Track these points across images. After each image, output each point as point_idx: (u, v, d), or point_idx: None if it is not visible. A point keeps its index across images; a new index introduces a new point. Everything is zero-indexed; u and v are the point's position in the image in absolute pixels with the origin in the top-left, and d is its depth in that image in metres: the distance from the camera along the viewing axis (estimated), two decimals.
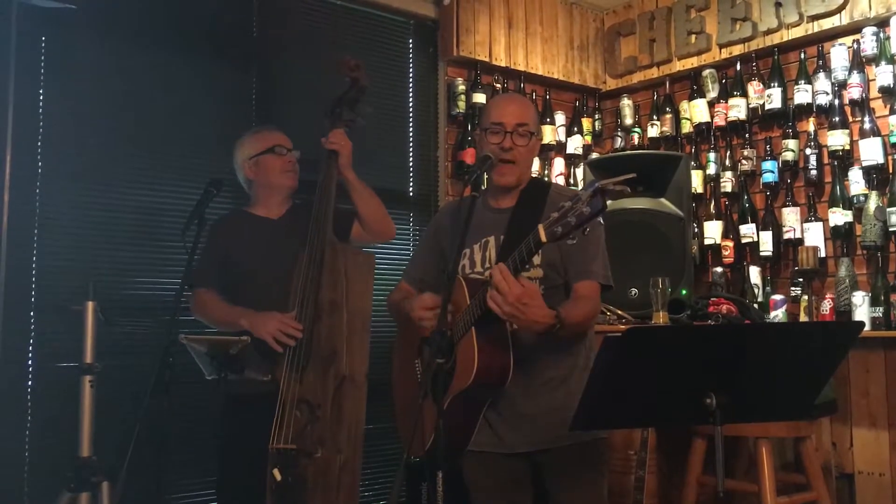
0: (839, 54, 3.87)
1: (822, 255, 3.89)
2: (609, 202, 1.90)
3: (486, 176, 2.54)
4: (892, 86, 3.67)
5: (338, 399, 2.58)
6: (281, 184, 2.95)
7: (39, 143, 3.15)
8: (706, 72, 4.39)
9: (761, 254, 4.09)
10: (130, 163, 3.33)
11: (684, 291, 3.76)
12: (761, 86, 4.15)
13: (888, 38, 3.72)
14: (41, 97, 3.17)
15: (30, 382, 3.06)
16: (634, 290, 3.76)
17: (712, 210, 4.34)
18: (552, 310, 2.14)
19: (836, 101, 3.87)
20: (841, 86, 3.87)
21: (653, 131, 4.61)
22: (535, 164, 4.30)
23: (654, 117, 4.62)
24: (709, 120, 4.37)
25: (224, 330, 2.85)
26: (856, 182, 3.78)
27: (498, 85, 4.43)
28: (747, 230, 4.15)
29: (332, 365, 2.60)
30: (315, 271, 2.65)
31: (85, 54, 3.26)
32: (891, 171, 3.71)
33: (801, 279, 3.88)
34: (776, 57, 4.12)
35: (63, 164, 3.17)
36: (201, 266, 2.86)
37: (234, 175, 3.06)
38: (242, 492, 2.69)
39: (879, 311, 3.58)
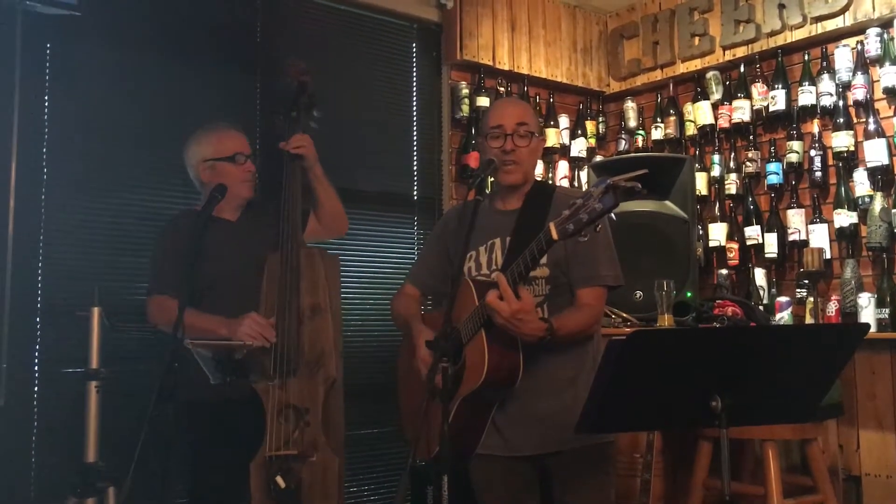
0: (843, 55, 3.86)
1: (828, 256, 3.88)
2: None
3: (491, 179, 2.54)
4: None
5: (326, 402, 2.59)
6: (238, 194, 2.83)
7: (45, 150, 3.16)
8: (710, 74, 4.39)
9: (766, 256, 4.08)
10: (135, 168, 3.34)
11: (689, 294, 3.76)
12: (765, 87, 4.15)
13: (892, 38, 3.72)
14: (46, 103, 3.18)
15: (36, 388, 3.06)
16: (639, 293, 3.75)
17: (717, 212, 4.33)
18: (545, 322, 2.19)
19: (841, 103, 3.87)
20: (845, 87, 3.87)
21: (657, 133, 4.61)
22: (539, 168, 4.29)
23: (658, 119, 4.62)
24: (713, 122, 4.37)
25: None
26: (861, 183, 3.77)
27: (501, 88, 4.43)
28: (752, 232, 4.15)
29: (319, 369, 2.60)
30: (292, 276, 2.62)
31: (89, 61, 3.27)
32: None
33: (806, 281, 3.87)
34: (780, 59, 4.12)
35: (68, 170, 3.18)
36: (160, 270, 2.74)
37: None
38: (224, 498, 2.67)
39: (885, 313, 3.57)
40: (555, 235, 1.99)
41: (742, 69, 4.26)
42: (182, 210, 3.03)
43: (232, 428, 2.58)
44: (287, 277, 2.62)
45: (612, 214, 1.92)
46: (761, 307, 3.92)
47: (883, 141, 3.70)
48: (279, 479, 2.46)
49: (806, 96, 3.98)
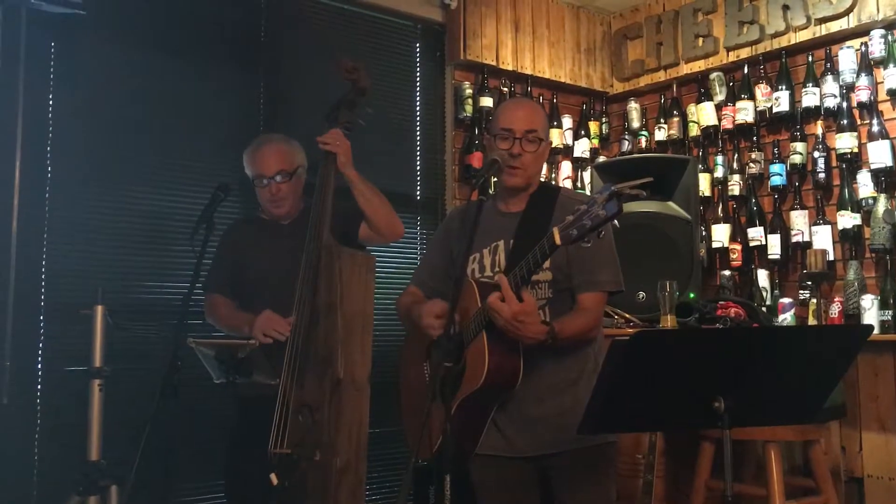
0: (847, 57, 3.86)
1: (831, 258, 3.87)
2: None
3: (494, 180, 2.54)
4: None
5: (335, 402, 2.57)
6: (269, 212, 2.93)
7: (49, 148, 3.17)
8: (713, 75, 4.39)
9: (769, 257, 4.08)
10: (139, 167, 3.35)
11: (692, 295, 3.76)
12: (769, 89, 4.14)
13: None
14: (50, 102, 3.19)
15: (39, 386, 3.07)
16: (642, 294, 3.75)
17: (720, 213, 4.33)
18: (546, 325, 2.19)
19: (845, 104, 3.86)
20: (849, 88, 3.86)
21: (660, 134, 4.60)
22: (543, 168, 4.28)
23: (662, 120, 4.61)
24: (716, 123, 4.36)
25: (233, 335, 2.86)
26: (864, 185, 3.77)
27: (505, 89, 4.43)
28: (755, 233, 4.14)
29: (328, 368, 2.60)
30: (311, 274, 2.64)
31: (94, 59, 3.28)
32: None
33: (809, 282, 3.86)
34: (784, 60, 4.12)
35: (72, 169, 3.19)
36: (214, 270, 2.86)
37: (242, 179, 3.06)
38: (250, 494, 2.69)
39: (888, 315, 3.57)
40: (558, 241, 1.99)
41: (746, 70, 4.26)
42: (243, 215, 3.11)
43: (265, 424, 2.59)
44: (306, 276, 2.63)
45: (616, 222, 1.92)
46: (764, 308, 3.92)
47: (887, 143, 3.70)
48: (273, 477, 2.46)
49: (809, 97, 3.97)
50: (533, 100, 4.45)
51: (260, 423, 2.58)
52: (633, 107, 4.79)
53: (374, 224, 2.88)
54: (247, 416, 2.79)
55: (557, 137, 4.55)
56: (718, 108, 4.37)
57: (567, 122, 4.67)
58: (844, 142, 3.82)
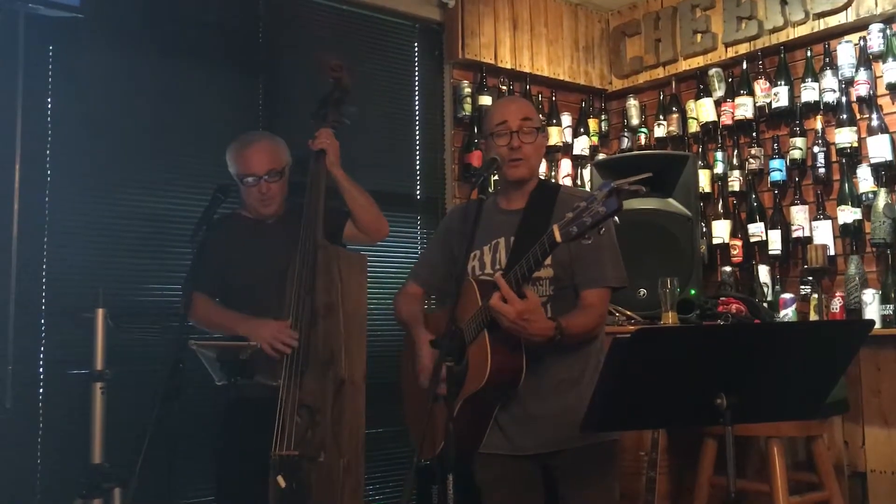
0: (846, 51, 3.86)
1: (832, 253, 3.87)
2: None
3: (494, 178, 2.54)
4: None
5: (338, 402, 2.57)
6: (257, 211, 2.89)
7: (48, 152, 3.16)
8: (712, 71, 4.39)
9: (770, 252, 4.08)
10: (138, 170, 3.35)
11: (693, 291, 3.75)
12: (768, 84, 4.14)
13: (895, 34, 3.71)
14: (49, 106, 3.18)
15: (41, 390, 3.07)
16: (643, 291, 3.75)
17: (720, 209, 4.33)
18: (553, 321, 2.18)
19: (844, 99, 3.86)
20: (848, 83, 3.86)
21: (659, 131, 4.60)
22: (542, 166, 4.29)
23: (661, 117, 4.61)
24: (715, 119, 4.36)
25: (222, 335, 2.85)
26: (864, 179, 3.77)
27: (504, 87, 4.43)
28: (756, 229, 4.14)
29: (330, 369, 2.59)
30: (308, 275, 2.62)
31: (92, 63, 3.28)
32: None
33: (810, 277, 3.87)
34: (782, 55, 4.12)
35: (71, 172, 3.19)
36: (197, 269, 2.80)
37: None
38: (248, 495, 2.68)
39: (890, 309, 3.57)
40: (558, 238, 1.99)
41: (744, 66, 4.25)
42: (226, 213, 3.04)
43: (264, 425, 2.58)
44: (303, 276, 2.62)
45: (616, 218, 1.92)
46: (765, 304, 3.92)
47: (886, 137, 3.69)
48: (280, 480, 2.46)
49: (809, 92, 3.97)
50: (531, 97, 4.47)
51: (261, 424, 2.58)
52: (632, 104, 4.79)
53: (361, 223, 2.87)
54: (248, 418, 2.78)
55: (557, 135, 4.55)
56: (717, 104, 4.36)
57: (566, 119, 4.66)
58: (844, 136, 3.82)
